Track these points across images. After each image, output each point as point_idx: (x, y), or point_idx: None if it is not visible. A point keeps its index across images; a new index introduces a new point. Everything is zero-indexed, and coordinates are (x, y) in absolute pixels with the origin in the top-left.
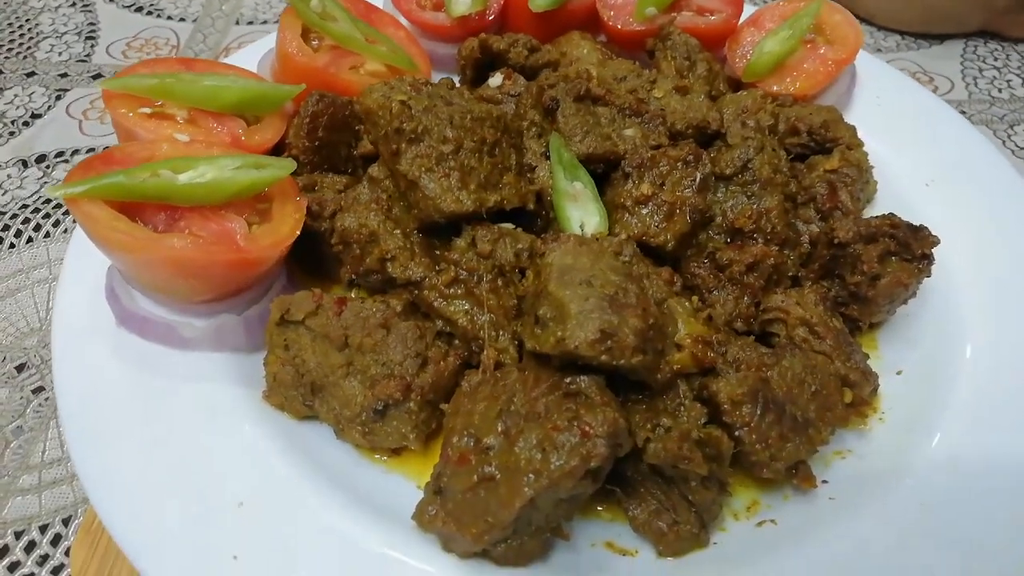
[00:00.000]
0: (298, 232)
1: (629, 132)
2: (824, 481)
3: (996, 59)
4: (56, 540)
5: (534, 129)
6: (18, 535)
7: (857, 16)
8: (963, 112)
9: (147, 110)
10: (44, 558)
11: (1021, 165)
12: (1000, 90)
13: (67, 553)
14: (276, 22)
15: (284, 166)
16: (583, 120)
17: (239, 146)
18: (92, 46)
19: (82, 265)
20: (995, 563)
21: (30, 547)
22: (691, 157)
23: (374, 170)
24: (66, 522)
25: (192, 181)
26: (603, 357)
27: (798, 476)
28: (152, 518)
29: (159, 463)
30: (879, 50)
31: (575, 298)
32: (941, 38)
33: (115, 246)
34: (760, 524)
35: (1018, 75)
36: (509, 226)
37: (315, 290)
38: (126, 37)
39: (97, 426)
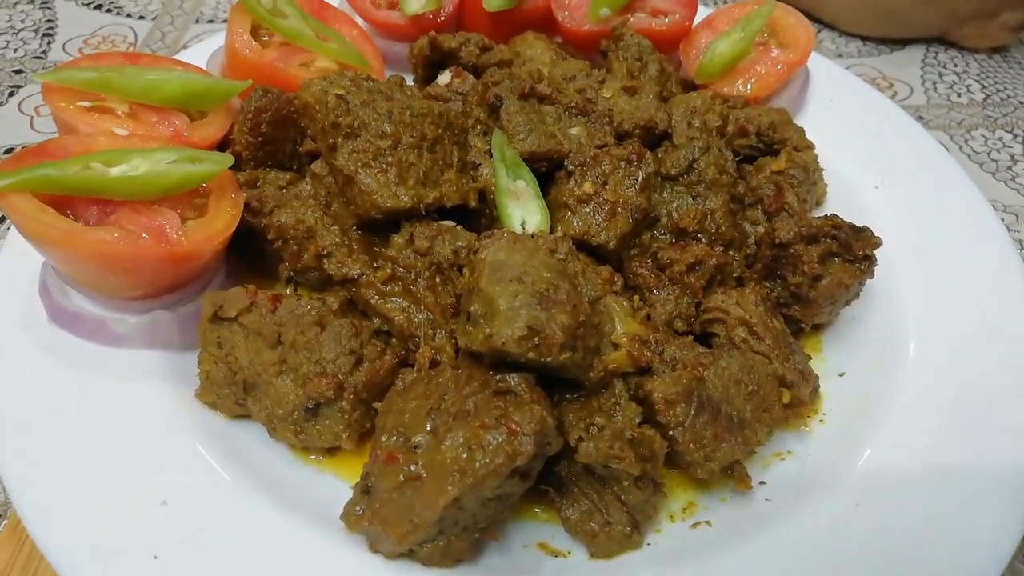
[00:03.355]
0: (233, 227)
1: (574, 131)
2: (762, 482)
3: (956, 65)
4: None
5: (479, 127)
6: None
7: (821, 22)
8: (921, 117)
9: (87, 104)
10: None
11: (976, 169)
12: (959, 95)
13: None
14: None
15: (221, 161)
16: (527, 118)
17: (181, 142)
18: (49, 43)
19: (17, 260)
20: (929, 565)
21: None
22: (634, 156)
23: (317, 166)
24: None
25: (124, 175)
26: (530, 354)
27: (734, 477)
28: (72, 516)
29: (83, 461)
30: (840, 56)
31: (505, 294)
32: (902, 43)
33: (40, 239)
34: (695, 526)
35: (977, 81)
36: (449, 223)
37: (249, 287)
38: (83, 34)
39: (23, 424)
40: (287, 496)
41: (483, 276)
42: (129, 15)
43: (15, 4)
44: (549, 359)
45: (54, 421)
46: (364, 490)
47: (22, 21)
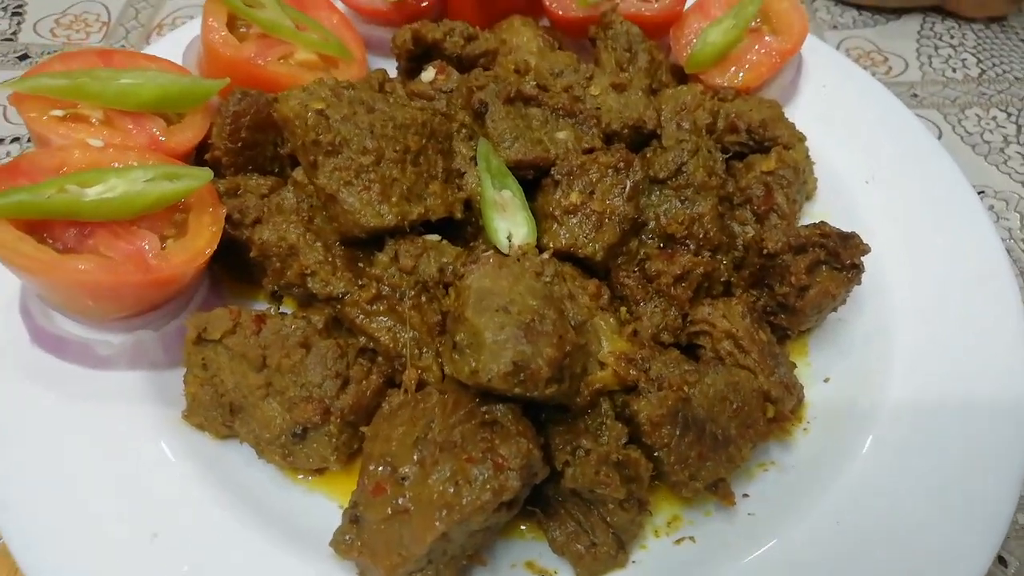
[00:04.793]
0: (215, 246)
1: (561, 135)
2: (745, 495)
3: (952, 37)
4: None
5: (464, 131)
6: None
7: None
8: (915, 95)
9: (60, 112)
10: None
11: (968, 152)
12: (954, 70)
13: None
14: None
15: (199, 176)
16: (513, 124)
17: (158, 148)
18: (19, 23)
19: None
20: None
21: None
22: (622, 164)
23: (298, 174)
24: None
25: (100, 196)
26: (516, 389)
27: (718, 493)
28: (61, 551)
29: (72, 491)
30: (835, 27)
31: (491, 326)
32: (899, 13)
33: (19, 268)
34: (679, 542)
35: (973, 54)
36: (434, 238)
37: (232, 308)
38: (54, 13)
39: (7, 450)
40: (278, 521)
41: (468, 305)
42: None
43: None
44: (536, 393)
45: (40, 448)
46: (353, 519)
47: None
